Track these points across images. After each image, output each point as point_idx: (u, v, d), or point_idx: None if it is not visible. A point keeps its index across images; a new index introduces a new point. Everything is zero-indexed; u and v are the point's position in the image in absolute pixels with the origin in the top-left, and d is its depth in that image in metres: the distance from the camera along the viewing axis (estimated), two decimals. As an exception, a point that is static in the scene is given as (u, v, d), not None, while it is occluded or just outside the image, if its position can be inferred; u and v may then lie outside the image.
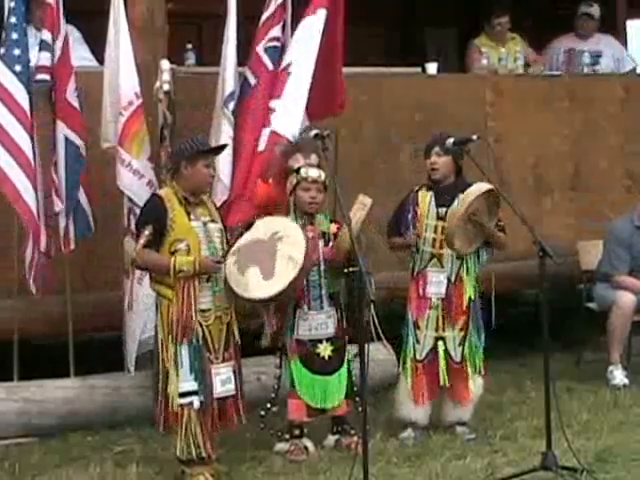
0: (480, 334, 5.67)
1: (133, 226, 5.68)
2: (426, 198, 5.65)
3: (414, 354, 5.63)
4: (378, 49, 9.08)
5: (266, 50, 5.94)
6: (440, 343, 5.60)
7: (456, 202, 5.51)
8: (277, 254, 5.03)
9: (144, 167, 5.78)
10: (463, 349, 5.61)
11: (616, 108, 7.70)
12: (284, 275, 4.97)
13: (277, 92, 5.80)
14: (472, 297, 5.65)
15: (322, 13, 5.84)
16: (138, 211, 5.62)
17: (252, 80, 5.93)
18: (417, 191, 5.70)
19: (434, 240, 5.60)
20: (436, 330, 5.61)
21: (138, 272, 5.66)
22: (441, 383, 5.60)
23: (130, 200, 5.75)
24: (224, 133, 5.80)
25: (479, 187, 5.47)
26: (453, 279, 5.62)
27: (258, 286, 4.97)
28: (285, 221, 5.28)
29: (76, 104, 5.73)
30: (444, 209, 5.58)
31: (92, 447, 5.59)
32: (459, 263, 5.62)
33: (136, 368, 5.99)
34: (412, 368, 5.62)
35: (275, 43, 5.95)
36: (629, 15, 9.69)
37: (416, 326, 5.63)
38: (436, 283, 5.62)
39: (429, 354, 5.61)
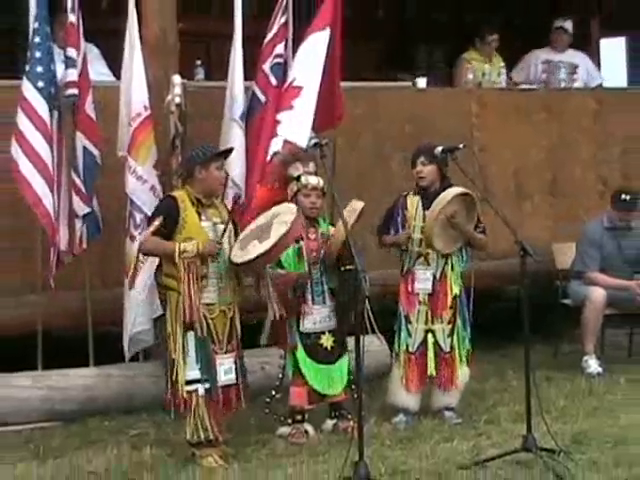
0: (466, 326, 5.72)
1: (132, 228, 5.74)
2: (414, 202, 5.71)
3: (407, 346, 5.68)
4: (373, 64, 9.10)
5: (271, 68, 6.00)
6: (430, 335, 5.66)
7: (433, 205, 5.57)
8: (273, 225, 5.10)
9: (148, 173, 5.80)
10: (452, 340, 5.66)
11: (589, 120, 7.72)
12: (276, 234, 5.03)
13: (284, 104, 5.86)
14: (457, 293, 5.69)
15: (327, 30, 5.90)
16: (137, 215, 5.70)
17: (262, 97, 6.00)
18: (406, 196, 5.76)
19: (421, 240, 5.65)
20: (425, 323, 5.67)
21: (131, 270, 5.62)
22: (429, 372, 5.64)
23: (132, 203, 5.78)
24: (238, 144, 5.86)
25: (451, 191, 5.53)
26: (438, 276, 5.67)
27: (255, 249, 5.02)
28: (281, 205, 5.32)
29: (93, 116, 5.79)
30: None
31: (109, 431, 5.62)
32: (444, 261, 5.68)
33: (149, 358, 6.04)
34: (405, 359, 5.67)
35: (279, 60, 6.02)
36: (602, 34, 9.78)
37: (407, 320, 5.68)
38: (423, 280, 5.67)
39: (420, 346, 5.66)
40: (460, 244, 5.68)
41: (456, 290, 5.70)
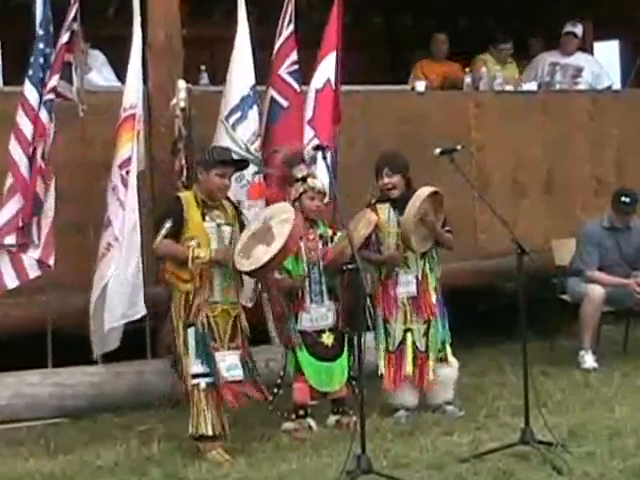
0: (444, 325, 5.64)
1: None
2: (384, 210, 5.60)
3: (386, 346, 5.59)
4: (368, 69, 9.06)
5: (290, 74, 6.05)
6: (409, 335, 5.58)
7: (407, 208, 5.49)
8: (272, 227, 5.02)
9: (112, 173, 5.60)
10: (427, 339, 5.58)
11: (584, 120, 7.74)
12: (282, 233, 4.95)
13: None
14: (436, 292, 5.62)
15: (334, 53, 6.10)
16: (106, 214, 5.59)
17: (283, 102, 6.05)
18: (374, 205, 5.64)
19: (397, 245, 5.57)
20: (404, 323, 5.58)
21: (100, 271, 5.57)
22: (406, 371, 5.54)
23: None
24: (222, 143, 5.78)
25: (422, 191, 5.49)
26: (420, 277, 5.59)
27: (264, 253, 4.95)
28: (272, 207, 5.27)
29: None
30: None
31: (118, 427, 5.61)
32: (422, 263, 5.61)
33: (158, 355, 5.97)
34: (385, 359, 5.59)
35: (296, 67, 6.07)
36: (595, 38, 9.71)
37: (386, 321, 5.60)
38: (405, 283, 5.58)
39: (399, 346, 5.58)
40: (431, 243, 5.61)
41: (435, 290, 5.62)
